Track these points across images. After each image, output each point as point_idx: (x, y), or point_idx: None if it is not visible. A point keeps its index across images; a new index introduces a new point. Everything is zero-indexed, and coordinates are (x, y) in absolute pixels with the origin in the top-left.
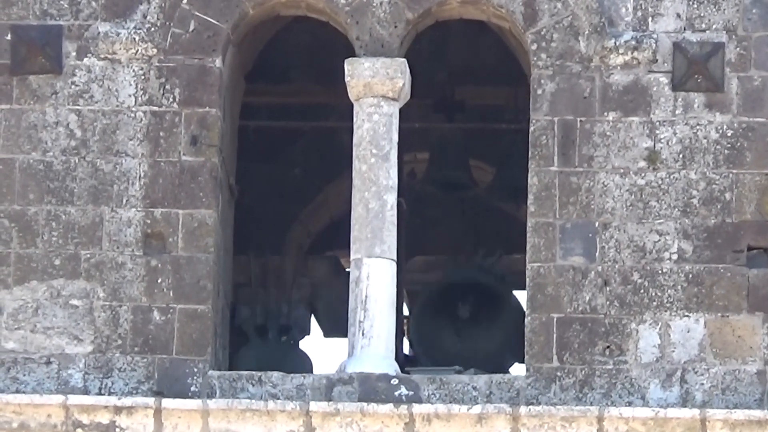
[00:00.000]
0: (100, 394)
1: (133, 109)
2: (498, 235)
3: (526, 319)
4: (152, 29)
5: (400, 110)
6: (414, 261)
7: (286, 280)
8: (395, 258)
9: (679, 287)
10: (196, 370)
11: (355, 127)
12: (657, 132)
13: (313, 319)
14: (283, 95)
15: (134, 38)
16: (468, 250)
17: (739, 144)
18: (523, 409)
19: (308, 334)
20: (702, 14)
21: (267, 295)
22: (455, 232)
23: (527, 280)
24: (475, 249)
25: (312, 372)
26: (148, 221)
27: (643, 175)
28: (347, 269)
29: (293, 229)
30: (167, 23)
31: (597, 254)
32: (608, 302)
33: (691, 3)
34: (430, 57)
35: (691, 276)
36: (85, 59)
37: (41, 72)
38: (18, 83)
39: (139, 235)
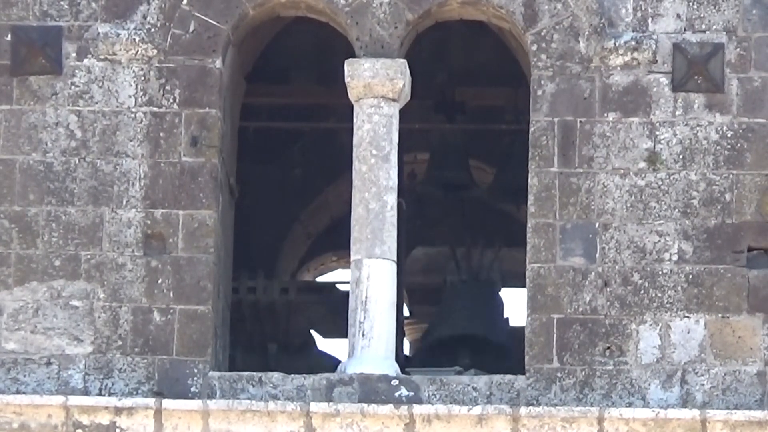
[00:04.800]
0: (100, 394)
1: (133, 109)
2: (498, 236)
3: (526, 320)
4: (152, 30)
5: (401, 111)
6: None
7: (280, 320)
8: (395, 259)
9: (680, 288)
10: (196, 370)
11: (355, 127)
12: (657, 133)
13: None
14: (283, 96)
15: (134, 39)
16: (467, 247)
17: (739, 145)
18: (523, 410)
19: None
20: (702, 15)
21: (263, 334)
22: (455, 232)
23: (527, 280)
24: (474, 240)
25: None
26: (149, 222)
27: (643, 176)
28: (345, 290)
29: (293, 231)
30: (167, 24)
31: (597, 255)
32: (608, 303)
33: (691, 4)
34: (430, 58)
35: (691, 277)
36: (85, 60)
37: (41, 73)
38: (18, 84)
39: (139, 235)
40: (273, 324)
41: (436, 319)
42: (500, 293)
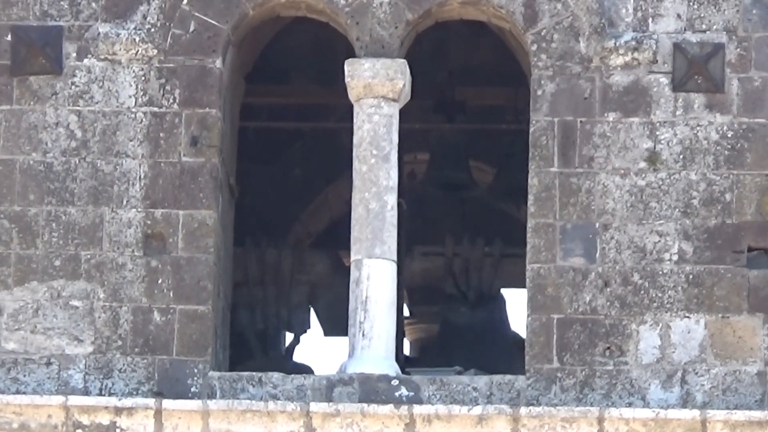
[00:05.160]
0: (100, 394)
1: (134, 109)
2: (498, 236)
3: (526, 320)
4: (152, 30)
5: (401, 111)
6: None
7: (284, 277)
8: (395, 259)
9: (680, 288)
10: (196, 370)
11: (355, 127)
12: (657, 133)
13: (312, 314)
14: (283, 96)
15: (134, 39)
16: (467, 243)
17: (739, 145)
18: (523, 410)
19: (309, 328)
20: (702, 15)
21: (266, 295)
22: (455, 232)
23: (527, 280)
24: (473, 240)
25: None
26: (149, 222)
27: (643, 176)
28: (347, 263)
29: (293, 229)
30: (167, 24)
31: (597, 255)
32: (608, 303)
33: (691, 4)
34: (430, 58)
35: (691, 277)
36: (86, 60)
37: (41, 73)
38: (18, 84)
39: (139, 235)
40: (276, 288)
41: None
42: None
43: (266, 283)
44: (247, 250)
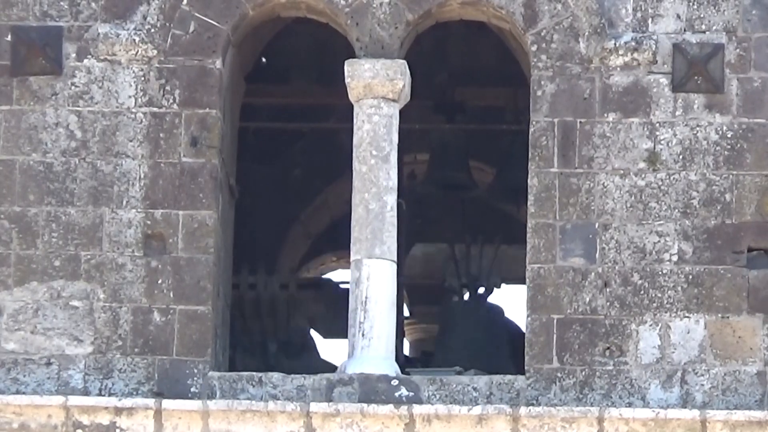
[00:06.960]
0: (100, 395)
1: (133, 110)
2: (498, 236)
3: (525, 320)
4: (152, 30)
5: (401, 111)
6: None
7: (279, 316)
8: (395, 259)
9: (679, 288)
10: (196, 371)
11: (355, 128)
12: (657, 133)
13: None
14: (283, 96)
15: (134, 39)
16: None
17: (738, 145)
18: (523, 410)
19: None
20: (702, 15)
21: (263, 327)
22: (455, 232)
23: (527, 280)
24: (474, 238)
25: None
26: (149, 222)
27: (643, 176)
28: (345, 286)
29: (293, 231)
30: (167, 24)
31: (597, 255)
32: (608, 303)
33: (690, 4)
34: (430, 58)
35: (691, 277)
36: (85, 60)
37: (41, 73)
38: (18, 84)
39: (139, 236)
40: (274, 322)
41: (438, 344)
42: (502, 312)
43: (264, 319)
44: (242, 292)
